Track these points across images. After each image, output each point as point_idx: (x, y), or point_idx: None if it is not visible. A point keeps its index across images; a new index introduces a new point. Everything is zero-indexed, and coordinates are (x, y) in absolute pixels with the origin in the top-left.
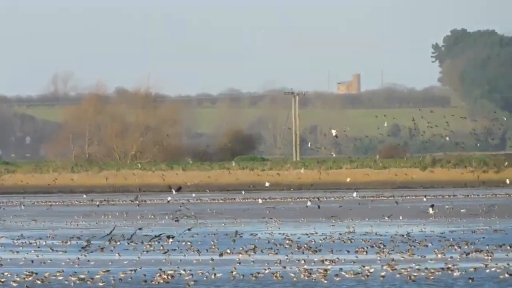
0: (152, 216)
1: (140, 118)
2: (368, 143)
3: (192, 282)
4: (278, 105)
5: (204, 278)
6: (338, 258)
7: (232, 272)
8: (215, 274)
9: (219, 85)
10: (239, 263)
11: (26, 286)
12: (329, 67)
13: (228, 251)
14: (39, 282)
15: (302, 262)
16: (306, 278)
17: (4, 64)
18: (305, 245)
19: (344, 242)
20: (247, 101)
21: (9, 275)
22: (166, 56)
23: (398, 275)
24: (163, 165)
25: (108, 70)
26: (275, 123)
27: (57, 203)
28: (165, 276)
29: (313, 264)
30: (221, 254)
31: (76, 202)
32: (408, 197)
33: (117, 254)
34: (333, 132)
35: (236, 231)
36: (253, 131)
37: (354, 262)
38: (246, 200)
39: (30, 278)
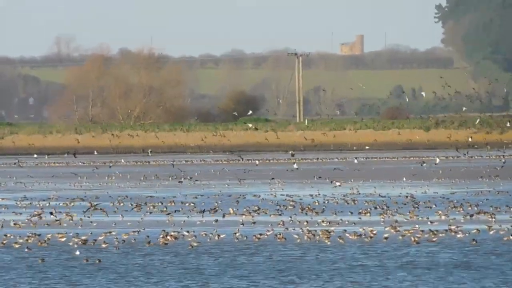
0: (156, 177)
1: (144, 79)
2: (371, 104)
3: (196, 244)
4: (281, 66)
5: (208, 240)
6: (341, 220)
7: (235, 233)
8: (218, 235)
9: (222, 46)
10: (242, 224)
11: (27, 247)
12: (332, 28)
13: (231, 211)
14: (41, 243)
15: (305, 223)
16: (309, 239)
17: (7, 25)
18: (309, 207)
19: (348, 203)
20: (251, 62)
21: (12, 237)
22: (168, 17)
23: (401, 237)
24: (166, 126)
25: (111, 31)
26: (279, 84)
27: (60, 164)
28: (169, 237)
29: (316, 225)
30: (224, 215)
31: (80, 164)
32: (412, 158)
33: (120, 216)
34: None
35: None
36: (256, 92)
37: (355, 224)
38: (249, 162)
39: (32, 240)
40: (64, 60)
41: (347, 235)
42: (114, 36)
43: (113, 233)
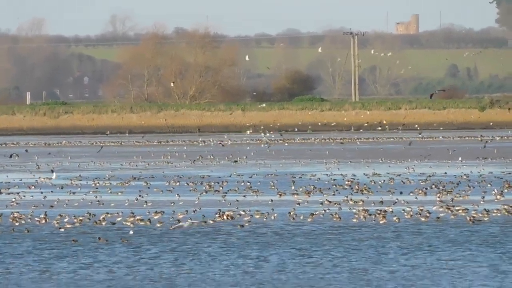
0: (212, 157)
1: (199, 58)
2: (426, 83)
3: (250, 223)
4: (337, 46)
5: (264, 219)
6: (397, 199)
7: (290, 212)
8: (274, 215)
9: (278, 25)
10: (298, 204)
11: (79, 230)
12: (388, 7)
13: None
14: (95, 223)
15: (361, 203)
16: (365, 219)
17: (62, 4)
18: (365, 186)
19: (404, 183)
20: (306, 41)
21: (67, 217)
22: None
23: (452, 216)
24: (222, 106)
25: (166, 9)
26: (334, 63)
27: (115, 144)
28: (225, 217)
29: (372, 205)
30: (280, 195)
31: (136, 143)
32: (467, 138)
33: (176, 195)
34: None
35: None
36: (312, 71)
37: (408, 203)
38: (306, 141)
39: (86, 220)
40: (119, 39)
41: (403, 213)
42: (169, 14)
43: (169, 212)
